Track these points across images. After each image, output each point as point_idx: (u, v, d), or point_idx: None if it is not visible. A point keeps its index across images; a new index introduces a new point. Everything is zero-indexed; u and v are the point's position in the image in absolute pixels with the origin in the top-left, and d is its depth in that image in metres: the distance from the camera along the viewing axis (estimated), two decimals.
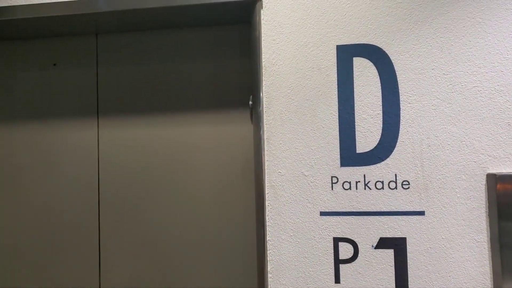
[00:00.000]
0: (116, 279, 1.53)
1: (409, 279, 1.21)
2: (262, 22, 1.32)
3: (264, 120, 1.30)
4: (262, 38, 1.32)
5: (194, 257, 1.50)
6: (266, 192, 1.28)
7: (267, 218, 1.27)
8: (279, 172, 1.28)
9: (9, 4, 1.41)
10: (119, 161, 1.54)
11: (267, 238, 1.27)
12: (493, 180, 1.19)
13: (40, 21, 1.43)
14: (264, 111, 1.30)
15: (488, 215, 1.20)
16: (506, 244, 1.17)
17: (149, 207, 1.52)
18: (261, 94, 1.30)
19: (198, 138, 1.51)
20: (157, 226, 1.51)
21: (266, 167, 1.29)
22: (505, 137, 1.21)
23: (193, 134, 1.51)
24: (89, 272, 1.54)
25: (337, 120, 1.27)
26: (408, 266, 1.21)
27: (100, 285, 1.54)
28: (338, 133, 1.27)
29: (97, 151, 1.56)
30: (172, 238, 1.51)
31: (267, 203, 1.28)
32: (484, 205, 1.20)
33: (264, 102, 1.30)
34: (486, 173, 1.21)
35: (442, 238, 1.21)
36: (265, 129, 1.30)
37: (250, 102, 1.37)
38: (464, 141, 1.22)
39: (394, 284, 1.21)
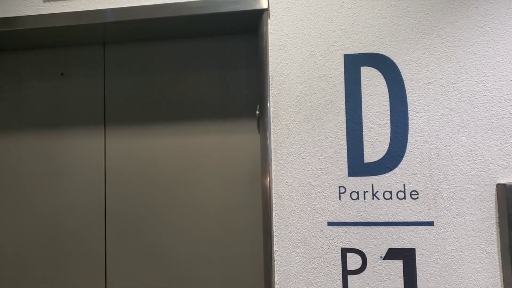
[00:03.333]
0: None
1: None
2: (269, 31, 1.32)
3: (271, 130, 1.30)
4: (269, 48, 1.31)
5: (200, 267, 1.49)
6: (273, 202, 1.28)
7: (274, 228, 1.27)
8: (286, 182, 1.28)
9: (18, 15, 1.42)
10: (125, 170, 1.54)
11: (274, 249, 1.26)
12: (503, 190, 1.18)
13: (48, 31, 1.44)
14: (271, 120, 1.30)
15: (499, 225, 1.18)
16: None
17: (155, 216, 1.52)
18: (268, 104, 1.30)
19: (205, 148, 1.51)
20: (164, 235, 1.51)
21: (273, 177, 1.28)
22: None
23: (200, 143, 1.51)
24: (95, 282, 1.54)
25: (345, 129, 1.27)
26: (418, 278, 1.20)
27: None
28: (346, 142, 1.27)
29: (104, 160, 1.56)
30: (178, 248, 1.50)
31: (274, 213, 1.27)
32: (494, 216, 1.19)
33: (271, 112, 1.30)
34: (496, 183, 1.19)
35: (452, 249, 1.19)
36: (272, 138, 1.29)
37: (257, 112, 1.37)
38: (474, 150, 1.21)
39: None
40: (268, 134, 1.29)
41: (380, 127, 1.25)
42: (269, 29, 1.32)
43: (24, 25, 1.41)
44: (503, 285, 1.17)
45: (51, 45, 1.59)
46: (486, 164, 1.20)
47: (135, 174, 1.54)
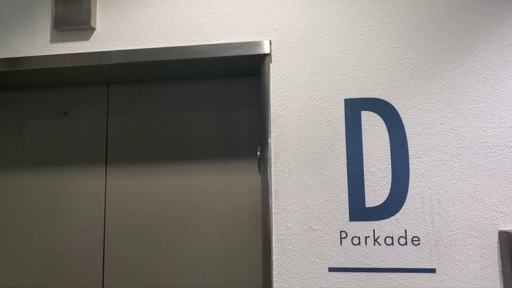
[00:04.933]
0: None
1: None
2: (271, 75, 1.33)
3: (272, 172, 1.30)
4: (271, 91, 1.33)
5: None
6: (274, 246, 1.26)
7: (274, 273, 1.25)
8: (287, 225, 1.27)
9: (24, 55, 1.45)
10: (125, 209, 1.54)
11: None
12: (506, 238, 1.17)
13: (54, 71, 1.46)
14: (272, 162, 1.30)
15: (502, 273, 1.17)
16: None
17: (155, 256, 1.50)
18: (269, 145, 1.31)
19: (206, 188, 1.50)
20: (162, 276, 1.49)
21: (273, 220, 1.28)
22: None
23: (201, 183, 1.50)
24: None
25: (346, 173, 1.27)
26: None
27: None
28: (347, 186, 1.26)
29: (104, 199, 1.55)
30: None
31: (274, 257, 1.26)
32: (497, 263, 1.18)
33: (272, 153, 1.31)
34: (498, 230, 1.19)
35: None
36: (273, 180, 1.29)
37: (258, 153, 1.38)
38: (475, 197, 1.21)
39: None
40: (268, 175, 1.29)
41: (381, 171, 1.25)
42: (271, 73, 1.33)
43: (30, 65, 1.44)
44: None
45: (56, 85, 1.61)
46: (488, 211, 1.20)
47: (135, 212, 1.53)
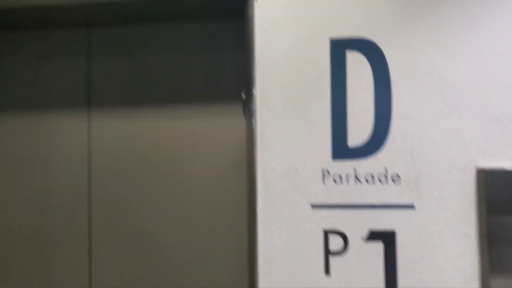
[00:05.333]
0: (107, 278, 1.54)
1: (398, 271, 1.22)
2: (256, 14, 1.31)
3: (257, 114, 1.30)
4: (256, 31, 1.31)
5: (185, 250, 1.51)
6: (258, 186, 1.29)
7: (258, 211, 1.28)
8: (272, 167, 1.29)
9: None
10: (110, 154, 1.54)
11: (259, 231, 1.28)
12: (483, 175, 1.20)
13: (31, 11, 1.41)
14: (257, 104, 1.30)
15: (478, 209, 1.21)
16: (494, 238, 1.19)
17: (140, 199, 1.53)
18: (254, 88, 1.30)
19: (191, 132, 1.51)
20: (149, 218, 1.52)
21: (259, 162, 1.29)
22: (496, 133, 1.21)
23: (186, 127, 1.51)
24: (79, 266, 1.55)
25: (330, 113, 1.28)
26: (398, 259, 1.22)
27: (90, 284, 1.54)
28: (330, 127, 1.28)
29: (88, 142, 1.55)
30: (163, 231, 1.52)
31: (259, 197, 1.29)
32: (473, 200, 1.21)
33: (257, 95, 1.30)
34: (476, 168, 1.21)
35: (432, 232, 1.22)
36: (258, 123, 1.30)
37: (243, 96, 1.37)
38: (456, 135, 1.23)
39: (384, 277, 1.23)
40: (254, 118, 1.30)
41: (364, 111, 1.26)
42: (255, 12, 1.31)
43: (6, 3, 1.38)
44: (480, 267, 1.20)
45: (34, 26, 1.55)
46: (467, 149, 1.22)
47: (119, 157, 1.54)
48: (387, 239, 1.23)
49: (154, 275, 1.52)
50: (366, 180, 1.25)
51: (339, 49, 1.28)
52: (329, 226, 1.26)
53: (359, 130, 1.26)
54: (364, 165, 1.26)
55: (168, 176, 1.52)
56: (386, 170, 1.25)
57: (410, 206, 1.23)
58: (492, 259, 1.18)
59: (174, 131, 1.52)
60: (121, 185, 1.54)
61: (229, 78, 1.50)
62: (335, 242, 1.25)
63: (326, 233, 1.26)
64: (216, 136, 1.50)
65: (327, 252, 1.25)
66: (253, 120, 1.30)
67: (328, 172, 1.27)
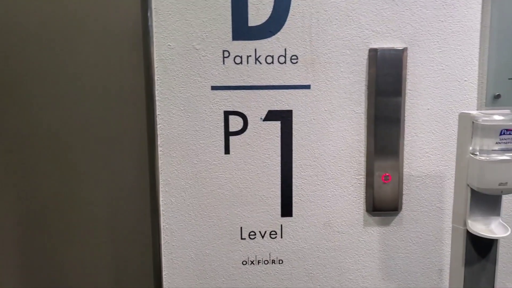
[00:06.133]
0: None
1: (293, 148, 1.29)
2: None
3: None
4: None
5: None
6: (155, 66, 1.23)
7: (156, 92, 1.24)
8: (169, 45, 1.23)
9: None
10: None
11: (157, 113, 1.25)
12: (374, 55, 1.26)
13: None
14: None
15: (367, 88, 1.28)
16: (380, 115, 1.28)
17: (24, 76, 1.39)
18: None
19: (81, 8, 1.37)
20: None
21: (154, 40, 1.22)
22: (389, 13, 1.25)
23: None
24: None
25: None
26: (293, 136, 1.29)
27: None
28: (230, 4, 1.22)
29: None
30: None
31: (156, 77, 1.24)
32: (364, 79, 1.28)
33: None
34: (368, 48, 1.27)
35: (325, 110, 1.28)
36: None
37: None
38: (351, 16, 1.25)
39: (280, 153, 1.29)
40: None
41: None
42: None
43: None
44: (366, 140, 1.30)
45: None
46: (361, 30, 1.26)
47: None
48: (284, 118, 1.28)
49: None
50: (266, 61, 1.26)
51: None
52: (229, 107, 1.27)
53: (259, 9, 1.23)
54: (264, 46, 1.25)
55: (54, 53, 1.38)
56: (285, 51, 1.25)
57: (307, 87, 1.27)
58: (376, 133, 1.29)
59: (65, 11, 1.36)
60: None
61: None
62: (235, 123, 1.27)
63: (226, 114, 1.27)
64: (108, 13, 1.37)
65: (227, 133, 1.28)
66: None
67: (229, 52, 1.25)
